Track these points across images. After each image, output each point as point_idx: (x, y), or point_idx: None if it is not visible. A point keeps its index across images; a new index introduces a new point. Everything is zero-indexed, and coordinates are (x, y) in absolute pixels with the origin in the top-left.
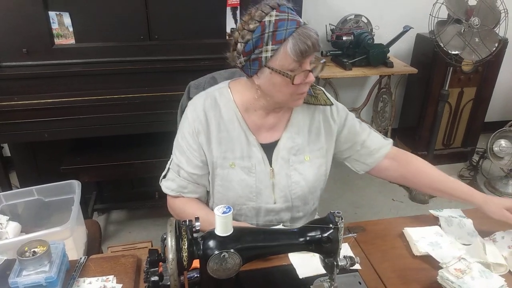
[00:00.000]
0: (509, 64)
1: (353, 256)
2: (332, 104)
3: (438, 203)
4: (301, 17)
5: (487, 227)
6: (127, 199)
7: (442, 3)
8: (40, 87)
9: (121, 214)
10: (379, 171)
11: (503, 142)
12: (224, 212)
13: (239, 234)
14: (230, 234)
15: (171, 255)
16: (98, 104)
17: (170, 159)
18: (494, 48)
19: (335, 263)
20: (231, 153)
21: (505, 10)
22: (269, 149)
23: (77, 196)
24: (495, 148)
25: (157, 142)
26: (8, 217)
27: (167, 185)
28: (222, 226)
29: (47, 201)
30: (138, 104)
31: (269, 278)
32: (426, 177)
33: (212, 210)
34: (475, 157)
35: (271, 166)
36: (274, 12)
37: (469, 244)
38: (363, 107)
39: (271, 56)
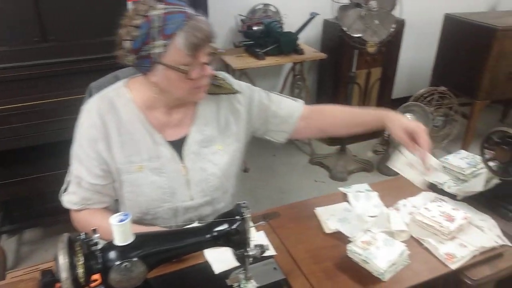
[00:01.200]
0: (408, 42)
1: (263, 244)
2: (236, 92)
3: (356, 179)
4: (207, 10)
5: (391, 197)
6: (39, 215)
7: None
8: None
9: (35, 232)
10: (299, 133)
11: (408, 116)
12: (121, 220)
13: (140, 241)
14: (131, 242)
15: (64, 273)
16: None
17: (69, 171)
18: (392, 29)
19: (245, 253)
20: (137, 156)
21: None
22: (178, 145)
23: None
24: None
25: (67, 151)
26: None
27: (68, 199)
28: (121, 235)
29: None
30: (38, 112)
31: (184, 279)
32: (340, 120)
33: None
34: (387, 132)
35: (182, 163)
36: (161, 5)
37: (376, 216)
38: None
39: (162, 52)
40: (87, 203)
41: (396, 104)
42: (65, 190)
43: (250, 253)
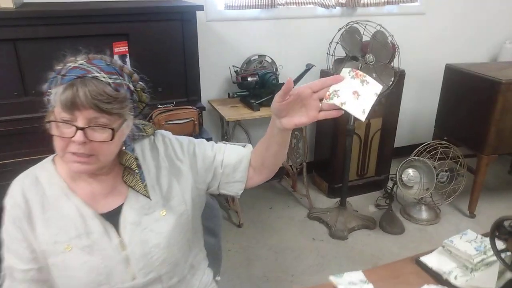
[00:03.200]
0: (408, 92)
1: None
2: (151, 134)
3: (357, 237)
4: (198, 61)
5: None
6: None
7: (338, 43)
8: None
9: None
10: (253, 180)
11: (410, 172)
12: None
13: None
14: None
15: None
16: None
17: (2, 263)
18: (390, 82)
19: None
20: (65, 234)
21: (397, 46)
22: (113, 217)
23: None
24: (404, 178)
25: None
26: None
27: None
28: None
29: None
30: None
31: None
32: (261, 146)
33: None
34: (390, 184)
35: (119, 237)
36: (80, 60)
37: None
38: None
39: (53, 99)
40: None
41: (400, 152)
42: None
43: None
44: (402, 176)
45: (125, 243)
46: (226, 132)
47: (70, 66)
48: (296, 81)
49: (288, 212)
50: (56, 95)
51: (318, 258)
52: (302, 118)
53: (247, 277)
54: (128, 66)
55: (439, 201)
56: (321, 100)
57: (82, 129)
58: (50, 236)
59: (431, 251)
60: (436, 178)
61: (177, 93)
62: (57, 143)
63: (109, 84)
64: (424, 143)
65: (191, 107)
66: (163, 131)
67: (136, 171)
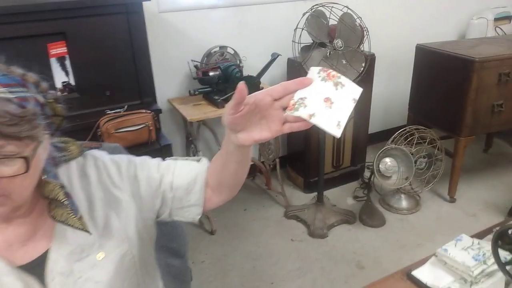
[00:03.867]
0: (380, 76)
1: None
2: (82, 153)
3: (337, 234)
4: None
5: None
6: None
7: (303, 29)
8: None
9: None
10: (212, 202)
11: (388, 161)
12: None
13: None
14: None
15: None
16: None
17: None
18: (361, 68)
19: None
20: None
21: (366, 29)
22: (36, 268)
23: None
24: (382, 168)
25: None
26: None
27: None
28: None
29: None
30: None
31: None
32: (216, 163)
33: None
34: (367, 174)
35: None
36: None
37: None
38: None
39: None
40: None
41: (374, 138)
42: None
43: None
44: (380, 166)
45: None
46: (190, 133)
47: None
48: (261, 73)
49: (263, 213)
50: None
51: (298, 261)
52: (263, 132)
53: None
54: (33, 74)
55: (419, 188)
56: (284, 109)
57: None
58: None
59: (423, 262)
60: (415, 165)
61: (128, 95)
62: None
63: (9, 100)
64: (398, 127)
65: (144, 110)
66: (94, 152)
67: (65, 202)
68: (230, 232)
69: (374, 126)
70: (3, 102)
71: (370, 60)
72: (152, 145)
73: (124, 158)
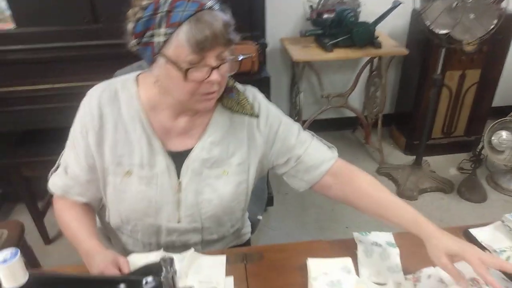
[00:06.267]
0: None
1: None
2: (257, 116)
3: (428, 199)
4: None
5: (416, 260)
6: None
7: None
8: None
9: None
10: (321, 188)
11: (504, 134)
12: (4, 261)
13: (33, 285)
14: (21, 286)
15: None
16: (39, 95)
17: (63, 152)
18: (492, 26)
19: None
20: (128, 158)
21: None
22: (179, 158)
23: None
24: (494, 140)
25: None
26: None
27: (54, 180)
28: (7, 277)
29: None
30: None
31: None
32: (368, 200)
33: (108, 223)
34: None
35: (178, 179)
36: None
37: (384, 284)
38: (350, 92)
39: (164, 42)
40: (69, 192)
41: (497, 114)
42: (55, 170)
43: None
44: (492, 138)
45: (182, 186)
46: (295, 74)
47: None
48: (378, 20)
49: (355, 164)
50: (180, 36)
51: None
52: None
53: (300, 223)
54: None
55: None
56: None
57: (217, 67)
58: (114, 157)
59: (487, 224)
60: None
61: (239, 26)
62: (183, 89)
63: (223, 12)
64: None
65: (250, 42)
66: (255, 91)
67: (238, 90)
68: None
69: (501, 99)
70: (222, 14)
71: (505, 18)
72: (253, 76)
73: (275, 111)
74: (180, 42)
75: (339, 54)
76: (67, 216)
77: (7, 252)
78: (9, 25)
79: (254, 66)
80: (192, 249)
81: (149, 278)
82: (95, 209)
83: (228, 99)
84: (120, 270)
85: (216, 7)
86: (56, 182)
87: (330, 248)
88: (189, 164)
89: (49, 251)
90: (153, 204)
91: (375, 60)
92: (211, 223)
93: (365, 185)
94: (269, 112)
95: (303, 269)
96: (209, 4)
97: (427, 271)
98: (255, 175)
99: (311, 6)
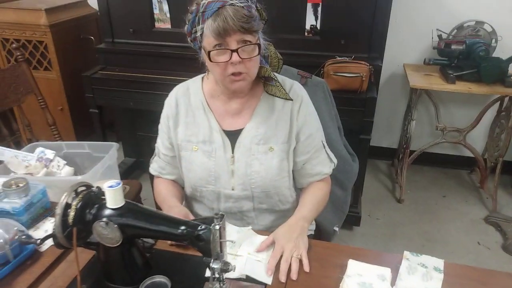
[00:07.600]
0: None
1: (229, 262)
2: (291, 99)
3: None
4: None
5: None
6: None
7: None
8: (137, 63)
9: None
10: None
11: None
12: (111, 186)
13: (125, 211)
14: (117, 208)
15: (58, 210)
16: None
17: (156, 141)
18: None
19: (209, 263)
20: (195, 137)
21: None
22: (233, 136)
23: (109, 156)
24: None
25: None
26: (65, 162)
27: (152, 166)
28: (110, 199)
29: (95, 155)
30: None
31: (178, 262)
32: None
33: (186, 194)
34: None
35: (232, 153)
36: None
37: None
38: (470, 129)
39: (201, 36)
40: (161, 172)
41: None
42: (153, 158)
43: (214, 265)
44: None
45: (235, 159)
46: (411, 100)
47: (204, 3)
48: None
49: (462, 207)
50: (206, 29)
51: (473, 263)
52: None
53: (383, 250)
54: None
55: None
56: None
57: (236, 50)
58: (185, 135)
59: None
60: None
61: (359, 47)
62: (217, 71)
63: (243, 7)
64: None
65: (364, 62)
66: (300, 90)
67: (275, 79)
68: (416, 208)
69: None
70: (240, 9)
71: None
72: (359, 94)
73: (314, 119)
74: (206, 33)
75: (460, 87)
76: (161, 188)
77: (114, 181)
78: (168, 25)
79: (363, 86)
80: (250, 227)
81: (203, 226)
82: (180, 185)
83: (270, 86)
84: None
85: (238, 3)
86: (153, 166)
87: (374, 257)
88: (241, 141)
89: None
90: (213, 173)
91: (506, 100)
92: (259, 193)
93: (305, 195)
94: (307, 104)
95: (343, 267)
96: (230, 1)
97: None
98: (292, 158)
99: (440, 36)
